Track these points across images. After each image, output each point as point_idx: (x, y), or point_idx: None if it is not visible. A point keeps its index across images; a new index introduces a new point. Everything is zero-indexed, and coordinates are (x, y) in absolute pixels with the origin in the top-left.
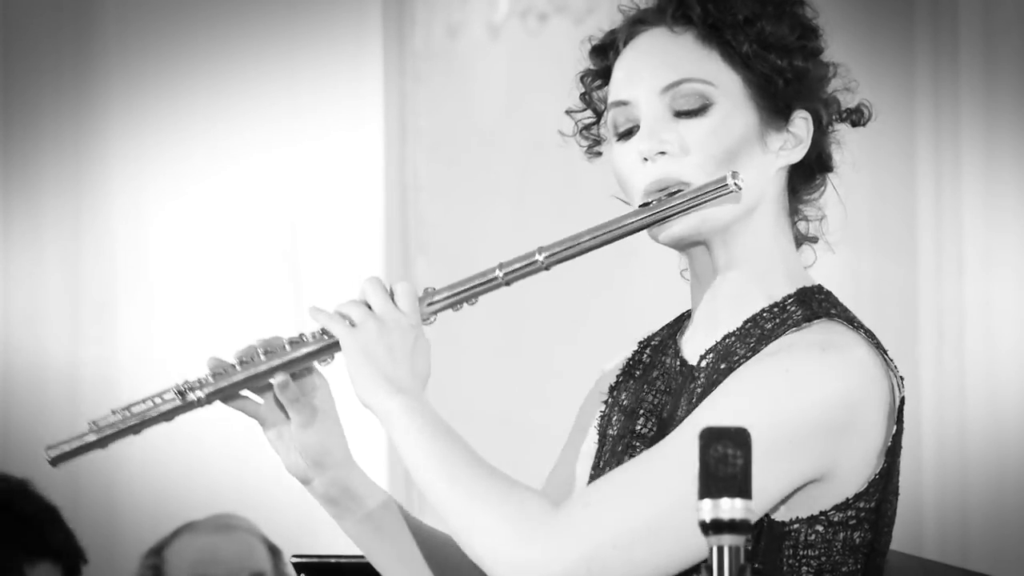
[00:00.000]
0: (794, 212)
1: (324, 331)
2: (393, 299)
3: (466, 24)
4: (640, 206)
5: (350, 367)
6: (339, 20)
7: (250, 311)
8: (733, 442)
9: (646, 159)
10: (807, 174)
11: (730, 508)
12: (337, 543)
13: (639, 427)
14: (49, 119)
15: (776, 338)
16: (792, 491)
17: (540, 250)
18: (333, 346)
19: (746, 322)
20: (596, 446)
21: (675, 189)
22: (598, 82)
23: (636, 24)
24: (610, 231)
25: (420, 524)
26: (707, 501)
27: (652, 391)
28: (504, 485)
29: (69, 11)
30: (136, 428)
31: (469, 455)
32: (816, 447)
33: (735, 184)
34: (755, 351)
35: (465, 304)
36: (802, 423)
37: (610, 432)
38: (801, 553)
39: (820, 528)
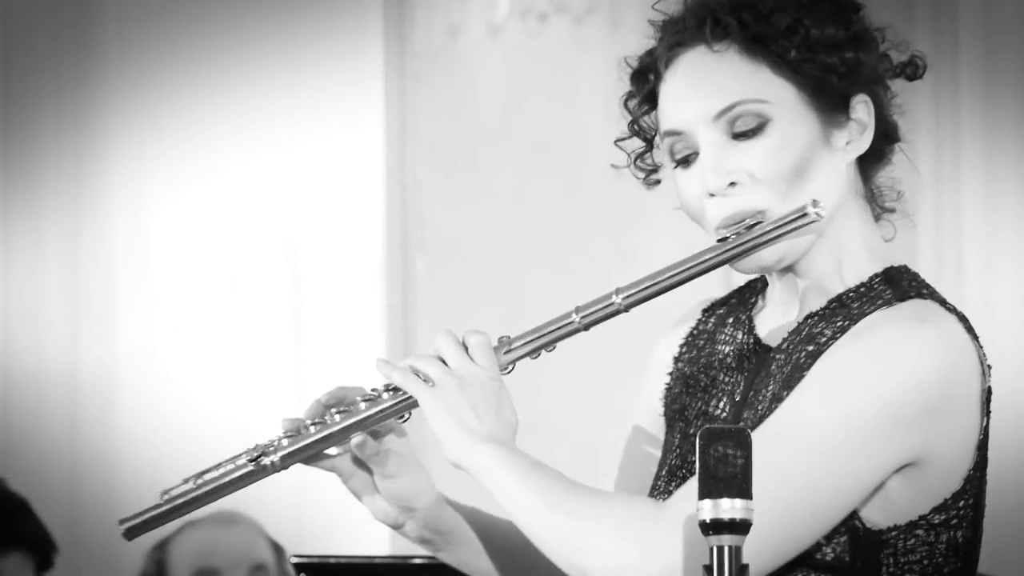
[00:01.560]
0: (870, 191)
1: (399, 388)
2: (468, 352)
3: (466, 24)
4: (718, 240)
5: (436, 429)
6: (339, 20)
7: (250, 311)
8: (733, 442)
9: (714, 194)
10: (876, 154)
11: (730, 508)
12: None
13: (712, 408)
14: (49, 119)
15: (865, 316)
16: (889, 474)
17: (617, 291)
18: (411, 404)
19: (831, 302)
20: (662, 418)
21: (753, 221)
22: (645, 107)
23: (674, 47)
24: (690, 269)
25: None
26: (707, 501)
27: (724, 369)
28: (606, 498)
29: (69, 11)
30: (209, 497)
31: (567, 484)
32: (916, 425)
33: (816, 214)
34: (844, 331)
35: (544, 351)
36: (903, 401)
37: (674, 406)
38: (902, 560)
39: (920, 532)
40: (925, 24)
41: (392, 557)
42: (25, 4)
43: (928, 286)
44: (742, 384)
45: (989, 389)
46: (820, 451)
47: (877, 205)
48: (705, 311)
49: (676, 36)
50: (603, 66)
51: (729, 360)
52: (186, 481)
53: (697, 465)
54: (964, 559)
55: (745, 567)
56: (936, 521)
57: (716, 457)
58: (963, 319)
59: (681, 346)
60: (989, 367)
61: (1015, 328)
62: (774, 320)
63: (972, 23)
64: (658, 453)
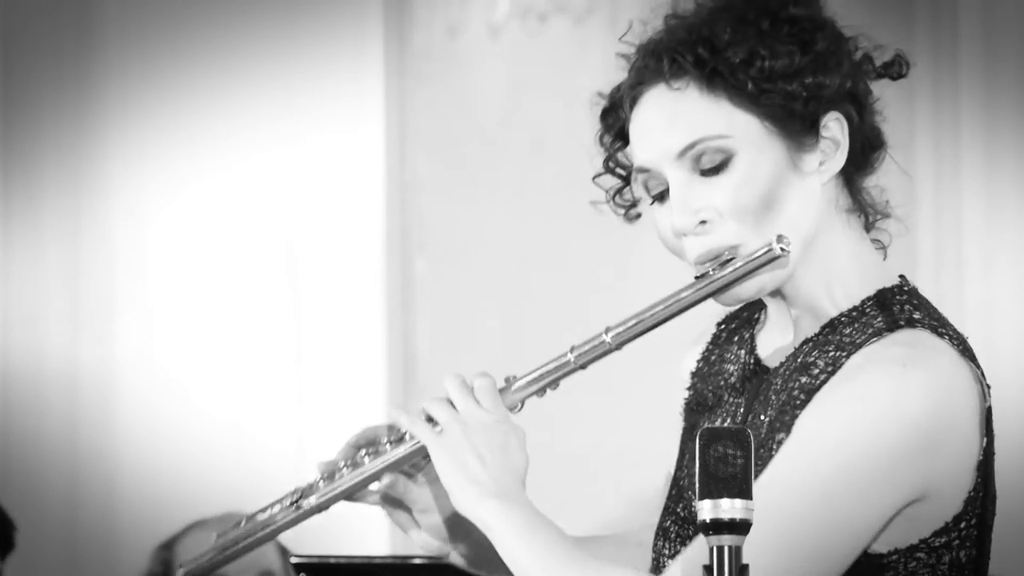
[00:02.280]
0: (858, 203)
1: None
2: (474, 395)
3: (466, 24)
4: (696, 278)
5: (442, 477)
6: (339, 20)
7: (250, 311)
8: (733, 442)
9: (685, 234)
10: (858, 163)
11: (730, 508)
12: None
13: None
14: (49, 119)
15: (857, 348)
16: (892, 517)
17: (607, 331)
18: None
19: (824, 328)
20: (683, 435)
21: (727, 257)
22: (618, 144)
23: (636, 86)
24: (672, 307)
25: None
26: (707, 501)
27: (728, 389)
28: (605, 571)
29: (69, 11)
30: (259, 540)
31: (566, 549)
32: (910, 470)
33: (780, 249)
34: (835, 363)
35: (548, 390)
36: (893, 449)
37: (688, 424)
38: None
39: (922, 555)
40: (925, 24)
41: (392, 557)
42: (25, 4)
43: (922, 307)
44: (743, 405)
45: (989, 409)
46: (824, 500)
47: (867, 215)
48: (719, 325)
49: (638, 74)
50: (603, 66)
51: (733, 380)
52: (238, 525)
53: (697, 465)
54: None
55: (745, 567)
56: (937, 544)
57: (716, 457)
58: (957, 341)
59: (698, 361)
60: (988, 387)
61: (1015, 328)
62: (773, 341)
63: (972, 23)
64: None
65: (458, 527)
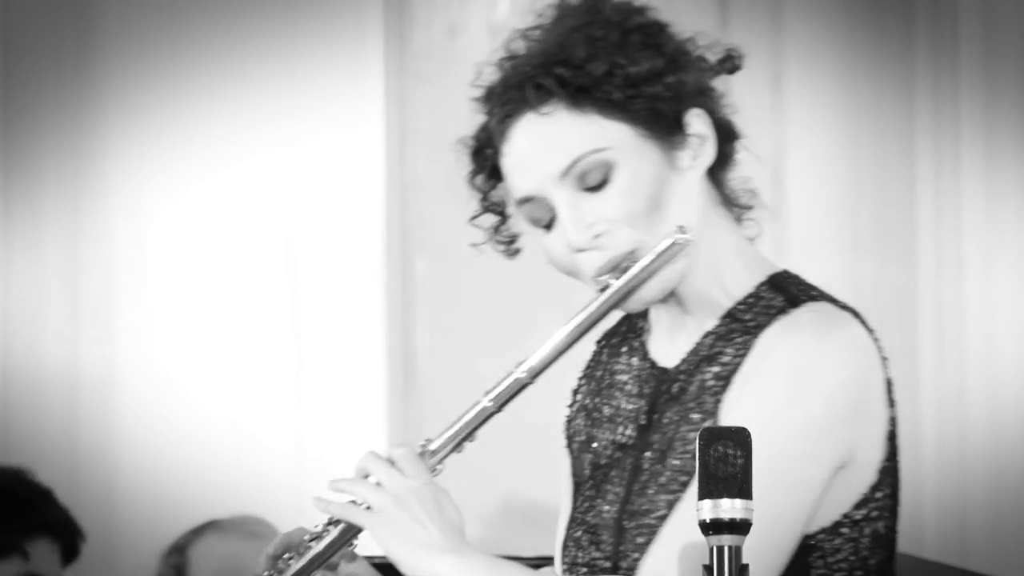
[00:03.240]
0: (725, 197)
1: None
2: (395, 466)
3: (466, 24)
4: (600, 290)
5: (388, 551)
6: (339, 20)
7: (250, 311)
8: (733, 442)
9: (582, 250)
10: (721, 158)
11: (730, 508)
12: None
13: (619, 436)
14: (49, 119)
15: (763, 327)
16: (828, 484)
17: (518, 366)
18: (354, 529)
19: (723, 319)
20: (566, 450)
21: (627, 264)
22: (491, 182)
23: (503, 120)
24: (581, 325)
25: None
26: (707, 501)
27: (625, 396)
28: None
29: (69, 11)
30: None
31: None
32: (840, 432)
33: (685, 239)
34: (745, 346)
35: (467, 442)
36: (825, 413)
37: (577, 438)
38: (830, 560)
39: (845, 530)
40: (925, 24)
41: None
42: (25, 4)
43: (815, 287)
44: (644, 408)
45: (889, 380)
46: (767, 482)
47: (735, 207)
48: (599, 342)
49: (504, 108)
50: None
51: (629, 387)
52: None
53: (697, 465)
54: (887, 547)
55: (745, 567)
56: (858, 517)
57: (716, 457)
58: (856, 314)
59: (580, 379)
60: (885, 359)
61: (1015, 328)
62: (664, 345)
63: (972, 23)
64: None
65: None
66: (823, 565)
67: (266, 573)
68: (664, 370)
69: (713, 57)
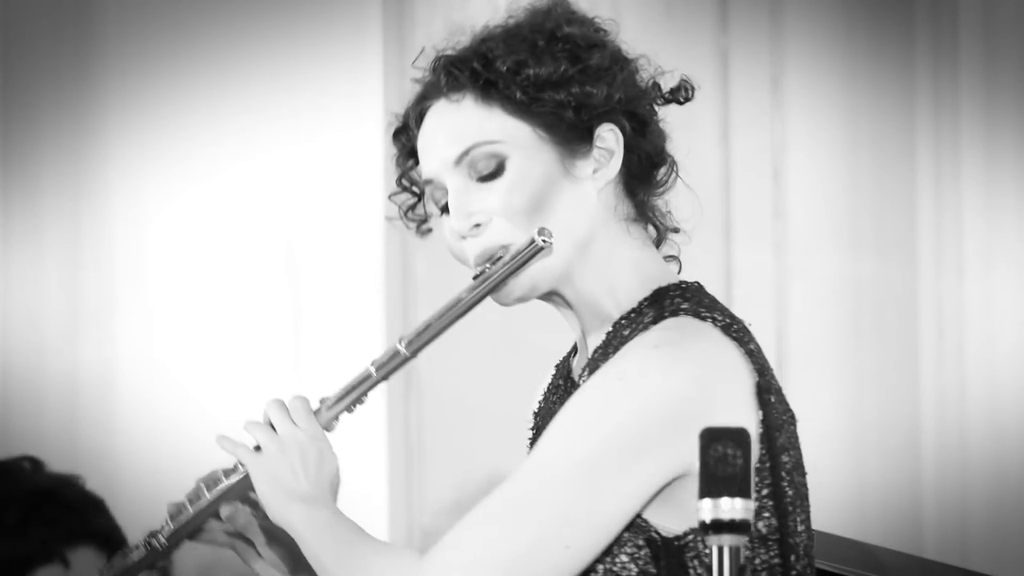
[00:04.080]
0: (642, 214)
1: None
2: (290, 415)
3: (466, 24)
4: (473, 278)
5: (258, 490)
6: (339, 20)
7: (250, 311)
8: (733, 442)
9: (463, 236)
10: (642, 177)
11: (730, 508)
12: None
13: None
14: (49, 119)
15: (626, 343)
16: (658, 490)
17: (400, 340)
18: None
19: (608, 333)
20: None
21: (497, 256)
22: (409, 162)
23: (420, 101)
24: (455, 310)
25: None
26: (707, 501)
27: (552, 414)
28: (376, 550)
29: (69, 11)
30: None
31: (355, 538)
32: (667, 443)
33: (542, 241)
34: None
35: (356, 405)
36: (642, 428)
37: None
38: (707, 560)
39: None
40: (925, 24)
41: None
42: (25, 4)
43: (692, 299)
44: None
45: (759, 384)
46: (570, 484)
47: (658, 226)
48: (557, 366)
49: (421, 92)
50: None
51: (557, 406)
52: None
53: (698, 465)
54: (779, 547)
55: (745, 567)
56: None
57: (716, 457)
58: (721, 323)
59: (540, 401)
60: (760, 364)
61: (1015, 328)
62: (577, 359)
63: (972, 23)
64: None
65: (300, 560)
66: (700, 564)
67: (187, 500)
68: (574, 385)
69: (666, 84)
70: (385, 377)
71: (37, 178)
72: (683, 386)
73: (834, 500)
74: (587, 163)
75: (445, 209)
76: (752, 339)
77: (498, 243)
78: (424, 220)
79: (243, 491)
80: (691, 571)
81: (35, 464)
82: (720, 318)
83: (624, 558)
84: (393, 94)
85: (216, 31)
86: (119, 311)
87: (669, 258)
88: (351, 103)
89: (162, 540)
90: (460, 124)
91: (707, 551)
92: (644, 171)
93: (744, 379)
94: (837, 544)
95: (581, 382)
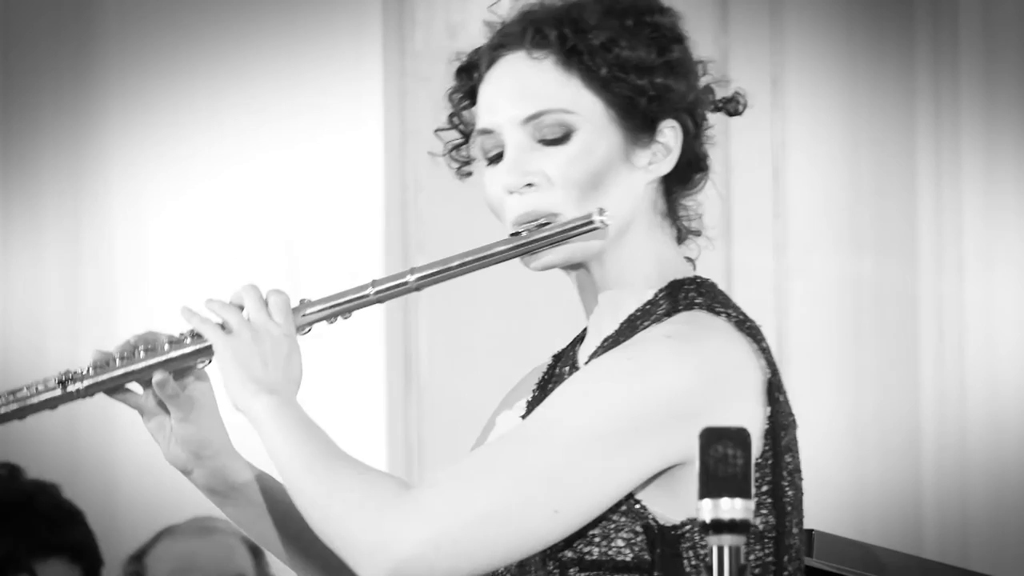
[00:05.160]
0: (672, 212)
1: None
2: (267, 308)
3: (466, 24)
4: (511, 235)
5: (222, 371)
6: (339, 20)
7: None
8: (733, 442)
9: (512, 192)
10: (682, 178)
11: (730, 508)
12: None
13: None
14: (49, 119)
15: (637, 333)
16: (652, 475)
17: (412, 271)
18: (209, 349)
19: (622, 324)
20: None
21: (543, 221)
22: (465, 102)
23: (497, 48)
24: (480, 258)
25: None
26: (707, 501)
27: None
28: (357, 473)
29: (69, 11)
30: (17, 414)
31: (329, 449)
32: (666, 433)
33: (601, 221)
34: None
35: (340, 318)
36: (646, 409)
37: None
38: (702, 552)
39: None
40: (925, 24)
41: None
42: (25, 4)
43: (707, 294)
44: None
45: (770, 381)
46: (565, 450)
47: (681, 226)
48: (555, 357)
49: (500, 39)
50: None
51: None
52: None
53: (697, 465)
54: (775, 546)
55: (745, 567)
56: None
57: (716, 457)
58: (734, 319)
59: (534, 391)
60: (769, 362)
61: (1015, 328)
62: (586, 350)
63: (972, 23)
64: None
65: (207, 447)
66: (694, 556)
67: (117, 355)
68: None
69: (720, 92)
70: (381, 299)
71: (37, 178)
72: (690, 378)
73: (834, 500)
74: (645, 154)
75: (493, 160)
76: (764, 337)
77: (546, 209)
78: (467, 162)
79: (181, 364)
80: (686, 561)
81: (12, 471)
82: (733, 314)
83: (620, 543)
84: (393, 94)
85: (216, 31)
86: (119, 311)
87: (686, 260)
88: (351, 103)
89: (80, 387)
90: (536, 84)
91: (703, 543)
92: (686, 173)
93: (754, 375)
94: (837, 544)
95: None
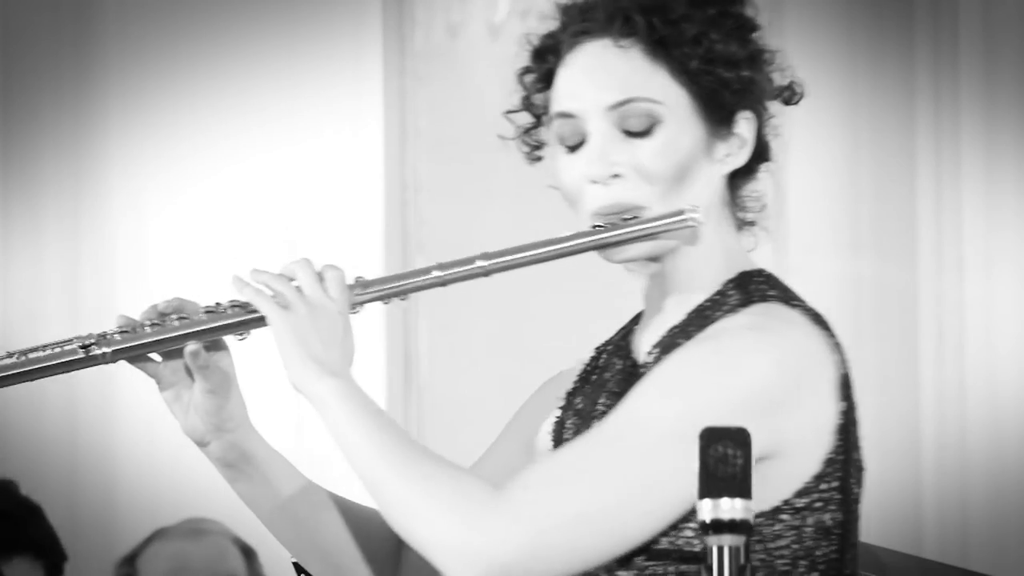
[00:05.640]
0: (734, 201)
1: (244, 305)
2: (323, 283)
3: (466, 24)
4: (594, 227)
5: (282, 349)
6: (339, 20)
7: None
8: (733, 442)
9: (595, 181)
10: (747, 168)
11: (730, 508)
12: None
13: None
14: (49, 119)
15: (712, 324)
16: None
17: (484, 255)
18: (254, 322)
19: (690, 314)
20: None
21: (630, 215)
22: (540, 85)
23: (580, 34)
24: (559, 248)
25: (332, 495)
26: (707, 501)
27: (605, 394)
28: (443, 469)
29: (69, 11)
30: (30, 375)
31: (405, 440)
32: (755, 425)
33: (694, 219)
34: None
35: (397, 299)
36: (733, 402)
37: (565, 437)
38: (771, 546)
39: (786, 517)
40: (925, 24)
41: None
42: (25, 4)
43: (777, 287)
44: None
45: (846, 376)
46: (654, 448)
47: (740, 217)
48: (598, 349)
49: (583, 24)
50: None
51: (610, 385)
52: (10, 355)
53: (697, 465)
54: (837, 542)
55: (745, 567)
56: (800, 505)
57: (716, 457)
58: (810, 313)
59: (576, 382)
60: (843, 358)
61: (1015, 328)
62: (645, 340)
63: (972, 23)
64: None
65: (230, 420)
66: (763, 550)
67: (148, 321)
68: (639, 366)
69: (779, 81)
70: (444, 282)
71: (37, 178)
72: (773, 371)
73: None
74: (723, 146)
75: (571, 148)
76: (835, 332)
77: (632, 202)
78: (538, 146)
79: (217, 335)
80: (752, 555)
81: None
82: (808, 309)
83: (689, 533)
84: (393, 94)
85: (216, 31)
86: (119, 311)
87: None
88: (351, 103)
89: (106, 351)
90: (624, 71)
91: (772, 536)
92: (752, 163)
93: (830, 369)
94: None
95: (650, 359)
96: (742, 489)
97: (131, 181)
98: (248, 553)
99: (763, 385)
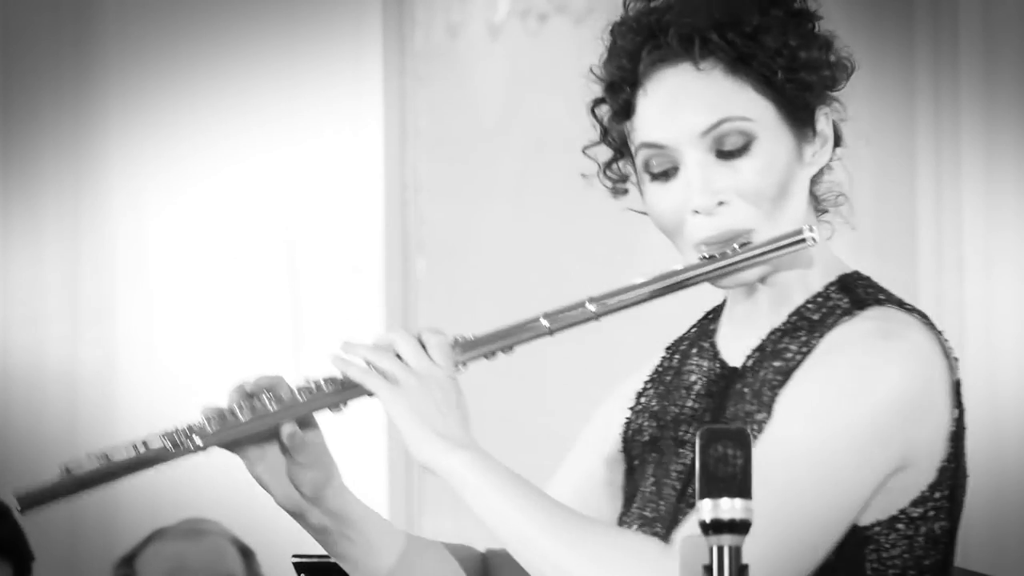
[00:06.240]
0: (813, 196)
1: (342, 381)
2: (426, 351)
3: (466, 24)
4: (705, 258)
5: (403, 428)
6: (339, 20)
7: (250, 312)
8: (733, 442)
9: (699, 212)
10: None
11: (730, 508)
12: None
13: (682, 434)
14: (49, 119)
15: (828, 329)
16: (880, 486)
17: (591, 300)
18: (351, 397)
19: (791, 316)
20: (622, 454)
21: (742, 241)
22: (619, 118)
23: (657, 62)
24: (671, 283)
25: (421, 540)
26: (707, 501)
27: (692, 396)
28: (597, 528)
29: (69, 11)
30: (118, 474)
31: (550, 502)
32: (895, 438)
33: (812, 239)
34: (808, 346)
35: (501, 353)
36: (879, 417)
37: (639, 439)
38: (884, 555)
39: (901, 527)
40: (925, 24)
41: None
42: (25, 4)
43: (883, 290)
44: (712, 407)
45: (957, 382)
46: (816, 475)
47: (820, 210)
48: (669, 349)
49: (659, 52)
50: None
51: (697, 387)
52: (98, 458)
53: (697, 465)
54: (943, 550)
55: (745, 567)
56: (915, 514)
57: (716, 457)
58: (923, 317)
59: (647, 383)
60: (956, 359)
61: (1015, 328)
62: (737, 341)
63: (972, 23)
64: (604, 485)
65: (327, 487)
66: (877, 559)
67: (234, 405)
68: (734, 369)
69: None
70: (552, 331)
71: (37, 178)
72: (906, 380)
73: None
74: (811, 147)
75: (659, 176)
76: (941, 334)
77: (741, 227)
78: (623, 179)
79: (308, 413)
80: (867, 564)
81: None
82: (919, 312)
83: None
84: (393, 94)
85: (216, 31)
86: (119, 310)
87: None
88: (351, 103)
89: (197, 442)
90: (710, 94)
91: (887, 545)
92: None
93: (946, 376)
94: None
95: (749, 363)
96: (742, 489)
97: (131, 181)
98: (246, 553)
99: (899, 396)
